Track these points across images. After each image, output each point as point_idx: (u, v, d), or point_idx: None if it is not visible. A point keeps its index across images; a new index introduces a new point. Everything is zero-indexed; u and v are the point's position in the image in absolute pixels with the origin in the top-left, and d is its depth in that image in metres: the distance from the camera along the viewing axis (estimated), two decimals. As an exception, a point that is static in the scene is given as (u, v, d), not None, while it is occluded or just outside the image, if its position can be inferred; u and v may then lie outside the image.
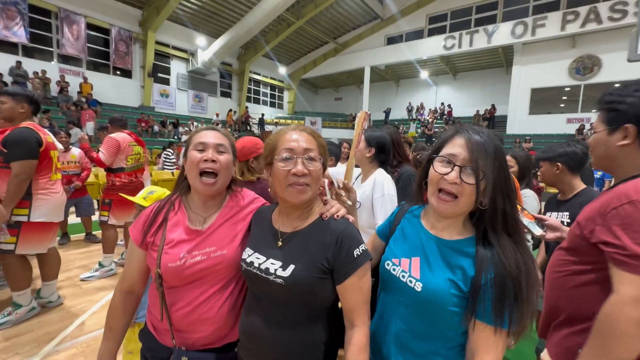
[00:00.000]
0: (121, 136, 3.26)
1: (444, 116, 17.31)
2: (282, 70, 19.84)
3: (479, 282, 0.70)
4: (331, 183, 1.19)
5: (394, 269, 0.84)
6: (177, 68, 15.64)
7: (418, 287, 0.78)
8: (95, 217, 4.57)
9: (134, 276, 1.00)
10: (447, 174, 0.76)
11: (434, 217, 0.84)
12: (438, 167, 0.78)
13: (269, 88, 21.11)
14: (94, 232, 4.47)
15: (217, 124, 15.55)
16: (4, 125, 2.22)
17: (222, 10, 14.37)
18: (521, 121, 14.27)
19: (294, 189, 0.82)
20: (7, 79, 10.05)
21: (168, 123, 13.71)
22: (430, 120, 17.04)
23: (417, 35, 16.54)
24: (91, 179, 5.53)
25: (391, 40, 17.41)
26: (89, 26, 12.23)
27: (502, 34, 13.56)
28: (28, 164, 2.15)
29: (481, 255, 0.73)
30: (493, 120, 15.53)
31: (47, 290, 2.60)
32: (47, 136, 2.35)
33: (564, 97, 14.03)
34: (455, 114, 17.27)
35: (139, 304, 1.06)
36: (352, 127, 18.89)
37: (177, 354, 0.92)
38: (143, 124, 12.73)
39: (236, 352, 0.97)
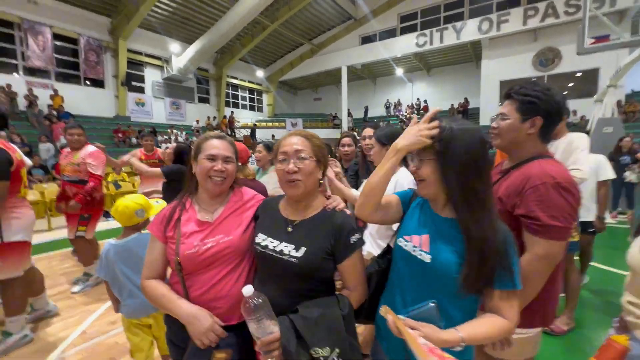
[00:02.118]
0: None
1: (421, 111, 17.87)
2: (260, 73, 19.82)
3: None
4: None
5: (405, 245, 0.94)
6: (152, 76, 15.32)
7: (427, 258, 0.87)
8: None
9: (156, 266, 1.11)
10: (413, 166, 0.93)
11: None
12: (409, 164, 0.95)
13: (247, 92, 21.01)
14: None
15: (197, 130, 15.37)
16: None
17: (194, 16, 14.22)
18: (492, 113, 14.78)
19: (288, 185, 1.01)
20: (-30, 95, 9.57)
21: (146, 132, 13.44)
22: (408, 116, 17.55)
23: (390, 34, 17.00)
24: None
25: (366, 40, 17.80)
26: (56, 36, 11.80)
27: (470, 30, 14.19)
28: (1, 185, 2.05)
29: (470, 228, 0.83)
30: (467, 113, 16.21)
31: (40, 302, 2.61)
32: (16, 153, 2.24)
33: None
34: (431, 109, 17.87)
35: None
36: (333, 127, 19.16)
37: None
38: (120, 135, 12.42)
39: None
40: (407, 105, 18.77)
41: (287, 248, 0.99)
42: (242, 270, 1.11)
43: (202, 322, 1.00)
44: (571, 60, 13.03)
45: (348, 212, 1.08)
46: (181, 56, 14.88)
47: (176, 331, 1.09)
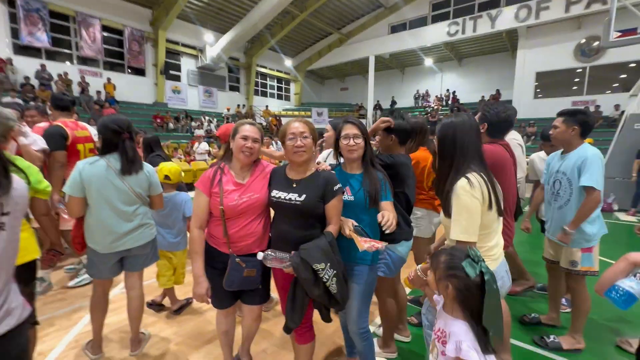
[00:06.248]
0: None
1: (449, 102, 17.44)
2: (288, 62, 20.18)
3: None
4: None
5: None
6: (187, 65, 16.25)
7: (351, 198, 1.57)
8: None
9: (203, 215, 1.59)
10: (348, 142, 1.56)
11: (347, 164, 1.66)
12: (345, 140, 1.58)
13: (275, 80, 21.55)
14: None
15: (227, 118, 16.19)
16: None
17: (228, 6, 14.79)
18: (525, 105, 14.31)
19: (297, 154, 1.50)
20: (34, 82, 10.86)
21: (181, 118, 14.40)
22: (435, 107, 17.20)
23: (420, 22, 16.60)
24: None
25: (395, 29, 17.52)
26: (104, 28, 12.90)
27: (506, 18, 13.54)
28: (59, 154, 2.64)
29: (366, 177, 1.57)
30: (498, 105, 15.62)
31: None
32: (77, 131, 2.77)
33: (576, 79, 13.93)
34: (461, 100, 17.37)
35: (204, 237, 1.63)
36: (358, 117, 19.22)
37: (232, 257, 1.55)
38: (158, 120, 13.45)
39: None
40: (435, 97, 18.34)
41: (294, 196, 1.50)
42: (263, 217, 1.64)
43: (200, 286, 1.56)
44: (617, 50, 12.06)
45: (329, 169, 1.61)
46: (214, 46, 15.60)
47: (214, 260, 1.63)
